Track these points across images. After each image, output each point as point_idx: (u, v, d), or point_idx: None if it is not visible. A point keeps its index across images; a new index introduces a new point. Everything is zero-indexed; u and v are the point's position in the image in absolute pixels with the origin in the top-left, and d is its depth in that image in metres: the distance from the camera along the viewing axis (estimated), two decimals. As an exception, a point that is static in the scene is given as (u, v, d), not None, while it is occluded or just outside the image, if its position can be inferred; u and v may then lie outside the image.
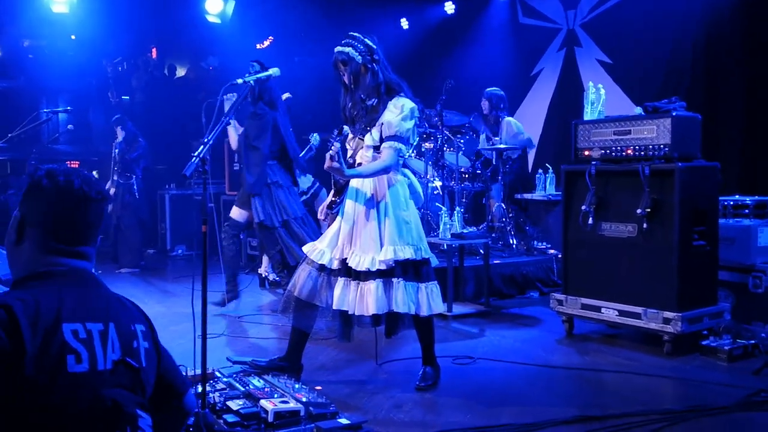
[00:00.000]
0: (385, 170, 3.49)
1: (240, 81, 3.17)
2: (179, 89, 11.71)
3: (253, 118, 5.32)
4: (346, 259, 3.53)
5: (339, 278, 3.54)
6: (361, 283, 3.48)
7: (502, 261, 6.20)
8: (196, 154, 2.74)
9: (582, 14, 8.07)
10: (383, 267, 3.45)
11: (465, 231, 5.49)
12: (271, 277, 6.63)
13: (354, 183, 3.58)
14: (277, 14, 10.04)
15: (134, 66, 12.21)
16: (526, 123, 7.61)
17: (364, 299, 3.46)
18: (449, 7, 9.51)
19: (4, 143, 5.45)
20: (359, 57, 3.48)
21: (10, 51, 11.02)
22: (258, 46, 10.73)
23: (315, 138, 6.79)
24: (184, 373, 3.13)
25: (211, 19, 9.12)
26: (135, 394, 1.64)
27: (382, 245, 3.48)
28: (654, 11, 7.13)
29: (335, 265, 3.55)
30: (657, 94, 6.45)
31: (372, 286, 3.44)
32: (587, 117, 4.73)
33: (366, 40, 3.52)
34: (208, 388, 2.96)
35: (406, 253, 3.47)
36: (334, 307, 3.52)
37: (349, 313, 3.51)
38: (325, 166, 3.34)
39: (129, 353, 1.64)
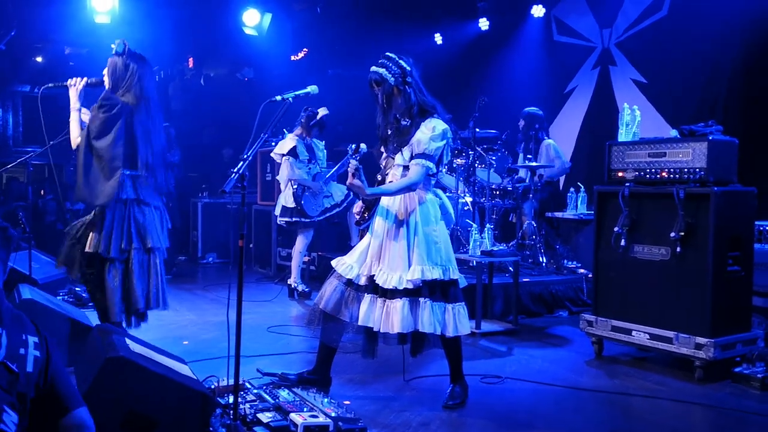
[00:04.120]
0: (410, 188, 3.49)
1: (279, 98, 3.22)
2: (213, 99, 11.89)
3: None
4: (373, 275, 3.54)
5: (366, 294, 3.55)
6: (387, 300, 3.48)
7: (531, 279, 6.17)
8: (235, 170, 2.79)
9: (617, 33, 8.03)
10: (410, 286, 3.45)
11: (495, 248, 5.48)
12: (300, 288, 6.70)
13: (384, 200, 3.59)
14: (312, 28, 10.16)
15: (170, 75, 12.43)
16: (558, 141, 7.58)
17: (390, 317, 3.46)
18: (483, 24, 9.52)
19: (45, 149, 5.57)
20: (392, 78, 3.49)
21: (52, 58, 11.31)
22: (293, 58, 10.86)
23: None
24: (212, 386, 3.22)
25: (248, 31, 9.24)
26: (9, 394, 1.84)
27: (410, 264, 3.48)
28: (691, 32, 7.07)
29: (363, 281, 3.57)
30: (692, 115, 6.39)
31: (398, 305, 3.45)
32: (622, 138, 4.71)
33: (401, 61, 3.52)
34: (238, 400, 3.01)
35: (435, 273, 3.47)
36: (359, 324, 3.52)
37: (374, 330, 3.52)
38: (347, 182, 3.38)
39: (13, 358, 1.86)
